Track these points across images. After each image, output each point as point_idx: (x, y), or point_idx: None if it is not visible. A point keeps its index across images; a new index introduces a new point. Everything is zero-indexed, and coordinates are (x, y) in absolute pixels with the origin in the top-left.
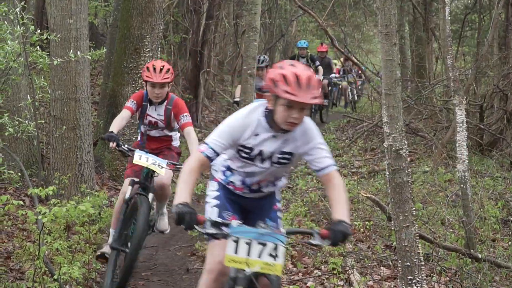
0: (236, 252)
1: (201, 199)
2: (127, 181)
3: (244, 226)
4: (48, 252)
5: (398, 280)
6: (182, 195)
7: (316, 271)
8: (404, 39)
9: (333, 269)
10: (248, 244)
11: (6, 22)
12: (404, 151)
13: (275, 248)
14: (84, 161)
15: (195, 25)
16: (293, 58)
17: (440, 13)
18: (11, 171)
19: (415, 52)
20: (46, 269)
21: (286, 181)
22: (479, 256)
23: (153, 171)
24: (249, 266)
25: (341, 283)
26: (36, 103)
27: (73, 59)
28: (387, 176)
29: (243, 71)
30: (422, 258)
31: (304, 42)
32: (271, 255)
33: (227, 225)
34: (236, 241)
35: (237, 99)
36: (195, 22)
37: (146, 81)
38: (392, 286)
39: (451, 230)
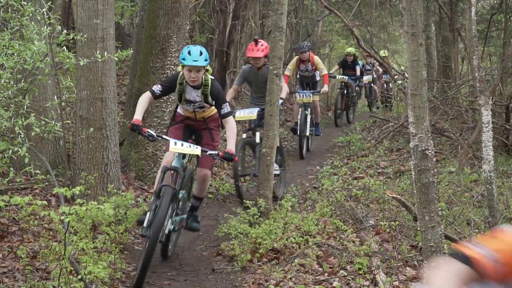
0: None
1: (227, 199)
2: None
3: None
4: (74, 252)
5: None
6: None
7: (341, 271)
8: (430, 39)
9: (359, 269)
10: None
11: (33, 22)
12: (430, 151)
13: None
14: (110, 161)
15: (221, 25)
16: (170, 83)
17: (466, 14)
18: (37, 171)
19: (441, 53)
20: (71, 268)
21: None
22: None
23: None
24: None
25: (367, 283)
26: (63, 103)
27: (99, 60)
28: (413, 177)
29: (269, 71)
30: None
31: (197, 57)
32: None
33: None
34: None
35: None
36: (221, 22)
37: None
38: None
39: (477, 230)
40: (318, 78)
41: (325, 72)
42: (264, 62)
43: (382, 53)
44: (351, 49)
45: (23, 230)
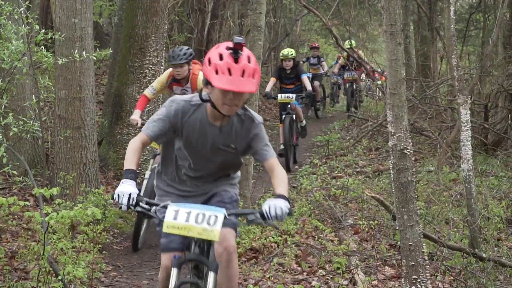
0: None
1: None
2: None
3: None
4: (53, 251)
5: (403, 280)
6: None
7: (320, 270)
8: (409, 38)
9: (338, 268)
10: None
11: (10, 22)
12: (408, 150)
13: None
14: (88, 161)
15: (200, 24)
16: None
17: (444, 13)
18: (15, 171)
19: (419, 52)
20: (50, 268)
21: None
22: (484, 255)
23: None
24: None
25: (346, 282)
26: (41, 103)
27: (77, 59)
28: (392, 176)
29: None
30: (426, 258)
31: None
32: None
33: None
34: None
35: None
36: (200, 22)
37: None
38: (396, 285)
39: (456, 229)
40: None
41: None
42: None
43: (347, 44)
44: (288, 51)
45: (1, 230)
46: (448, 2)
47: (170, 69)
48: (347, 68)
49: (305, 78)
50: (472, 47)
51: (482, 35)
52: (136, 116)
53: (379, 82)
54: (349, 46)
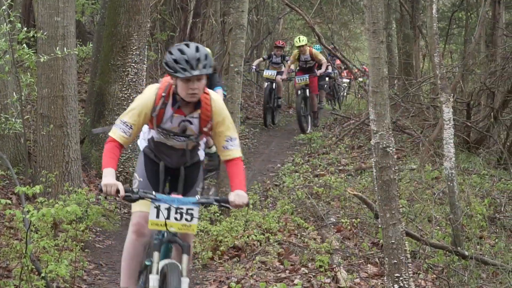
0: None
1: None
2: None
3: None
4: (35, 250)
5: (385, 278)
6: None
7: (303, 268)
8: (391, 36)
9: (320, 266)
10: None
11: None
12: (391, 148)
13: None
14: (71, 159)
15: (182, 23)
16: None
17: (427, 11)
18: None
19: (402, 50)
20: (33, 267)
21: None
22: (466, 253)
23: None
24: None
25: (328, 280)
26: (23, 101)
27: (59, 56)
28: (374, 174)
29: (230, 69)
30: (409, 256)
31: None
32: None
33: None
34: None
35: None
36: (182, 20)
37: None
38: (379, 283)
39: (438, 227)
40: None
41: None
42: None
43: (297, 41)
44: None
45: None
46: (431, 0)
47: (156, 85)
48: (297, 70)
49: (220, 92)
50: (454, 45)
51: (464, 33)
52: (111, 179)
53: (360, 79)
54: (301, 44)
